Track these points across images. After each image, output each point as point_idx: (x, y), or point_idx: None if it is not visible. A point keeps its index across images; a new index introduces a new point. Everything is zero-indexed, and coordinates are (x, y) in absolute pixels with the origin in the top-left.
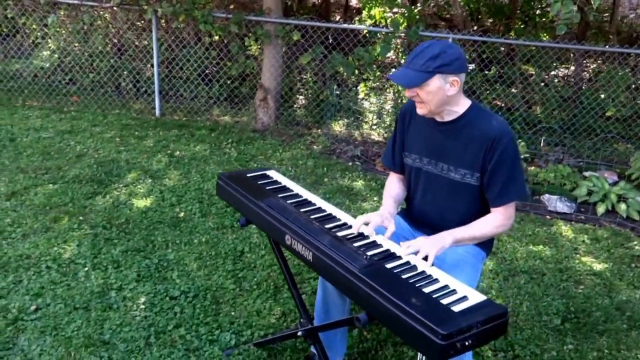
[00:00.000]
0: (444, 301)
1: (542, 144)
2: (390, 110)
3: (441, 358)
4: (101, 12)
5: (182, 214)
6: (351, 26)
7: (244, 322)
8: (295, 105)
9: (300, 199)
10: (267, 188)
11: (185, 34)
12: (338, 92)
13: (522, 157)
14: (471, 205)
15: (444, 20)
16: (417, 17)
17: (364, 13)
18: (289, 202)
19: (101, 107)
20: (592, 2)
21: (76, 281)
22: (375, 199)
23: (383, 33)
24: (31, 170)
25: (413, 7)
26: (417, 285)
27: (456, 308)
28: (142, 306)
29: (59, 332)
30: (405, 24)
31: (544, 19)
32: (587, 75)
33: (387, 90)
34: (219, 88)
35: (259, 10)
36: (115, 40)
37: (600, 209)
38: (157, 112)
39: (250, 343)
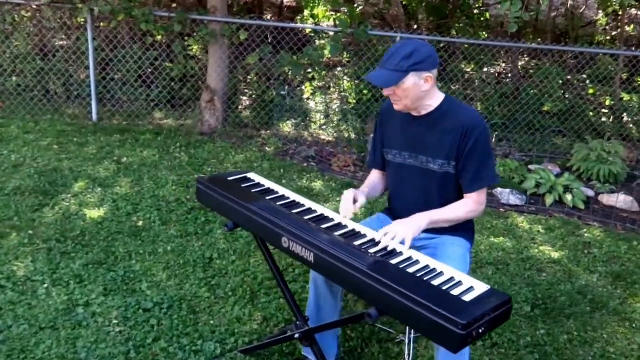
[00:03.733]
0: (454, 292)
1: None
2: (336, 110)
3: (461, 346)
4: (24, 12)
5: (140, 223)
6: (300, 25)
7: (225, 330)
8: (241, 107)
9: (289, 200)
10: (253, 191)
11: (118, 34)
12: (284, 93)
13: None
14: (455, 194)
15: (383, 20)
16: (359, 16)
17: (306, 12)
18: (278, 204)
19: (30, 112)
20: (541, 1)
21: (37, 300)
22: (337, 199)
23: (331, 32)
24: None
25: (355, 6)
26: (425, 279)
27: (466, 298)
28: (115, 321)
29: (28, 354)
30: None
31: (482, 19)
32: (524, 72)
33: (332, 89)
34: (159, 90)
35: (202, 9)
36: (38, 41)
37: (549, 200)
38: (94, 116)
39: (236, 350)
